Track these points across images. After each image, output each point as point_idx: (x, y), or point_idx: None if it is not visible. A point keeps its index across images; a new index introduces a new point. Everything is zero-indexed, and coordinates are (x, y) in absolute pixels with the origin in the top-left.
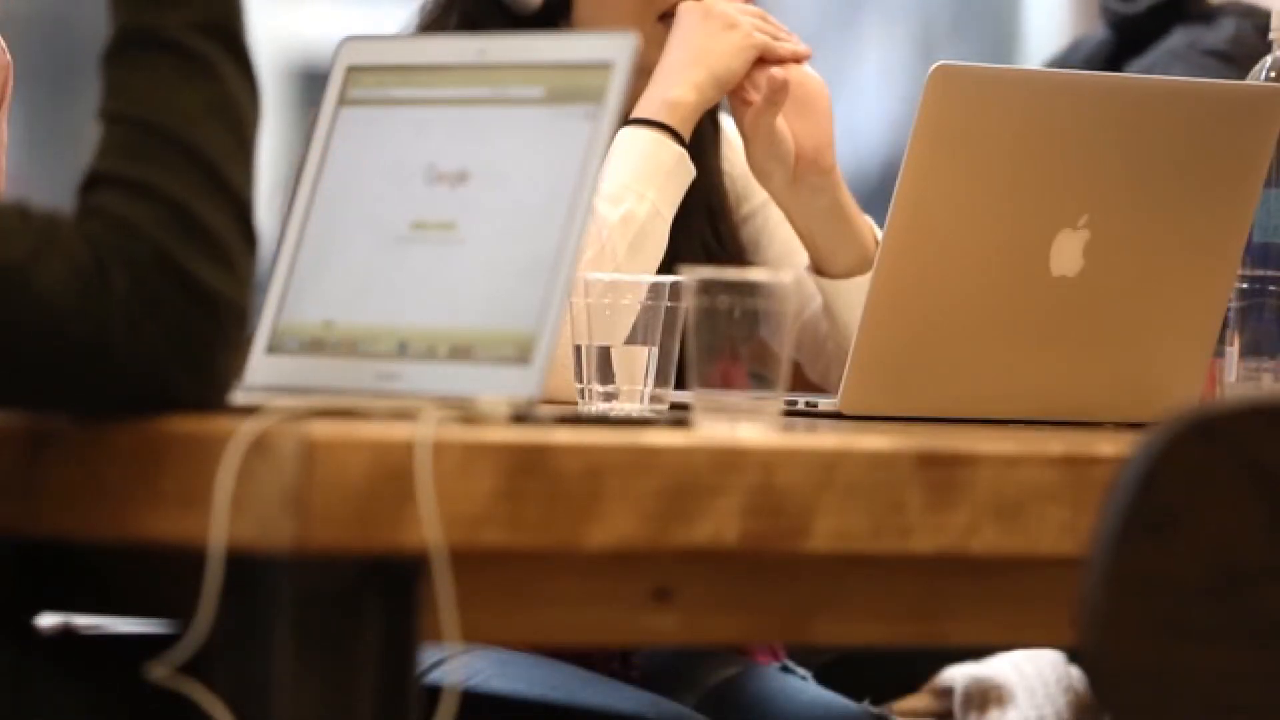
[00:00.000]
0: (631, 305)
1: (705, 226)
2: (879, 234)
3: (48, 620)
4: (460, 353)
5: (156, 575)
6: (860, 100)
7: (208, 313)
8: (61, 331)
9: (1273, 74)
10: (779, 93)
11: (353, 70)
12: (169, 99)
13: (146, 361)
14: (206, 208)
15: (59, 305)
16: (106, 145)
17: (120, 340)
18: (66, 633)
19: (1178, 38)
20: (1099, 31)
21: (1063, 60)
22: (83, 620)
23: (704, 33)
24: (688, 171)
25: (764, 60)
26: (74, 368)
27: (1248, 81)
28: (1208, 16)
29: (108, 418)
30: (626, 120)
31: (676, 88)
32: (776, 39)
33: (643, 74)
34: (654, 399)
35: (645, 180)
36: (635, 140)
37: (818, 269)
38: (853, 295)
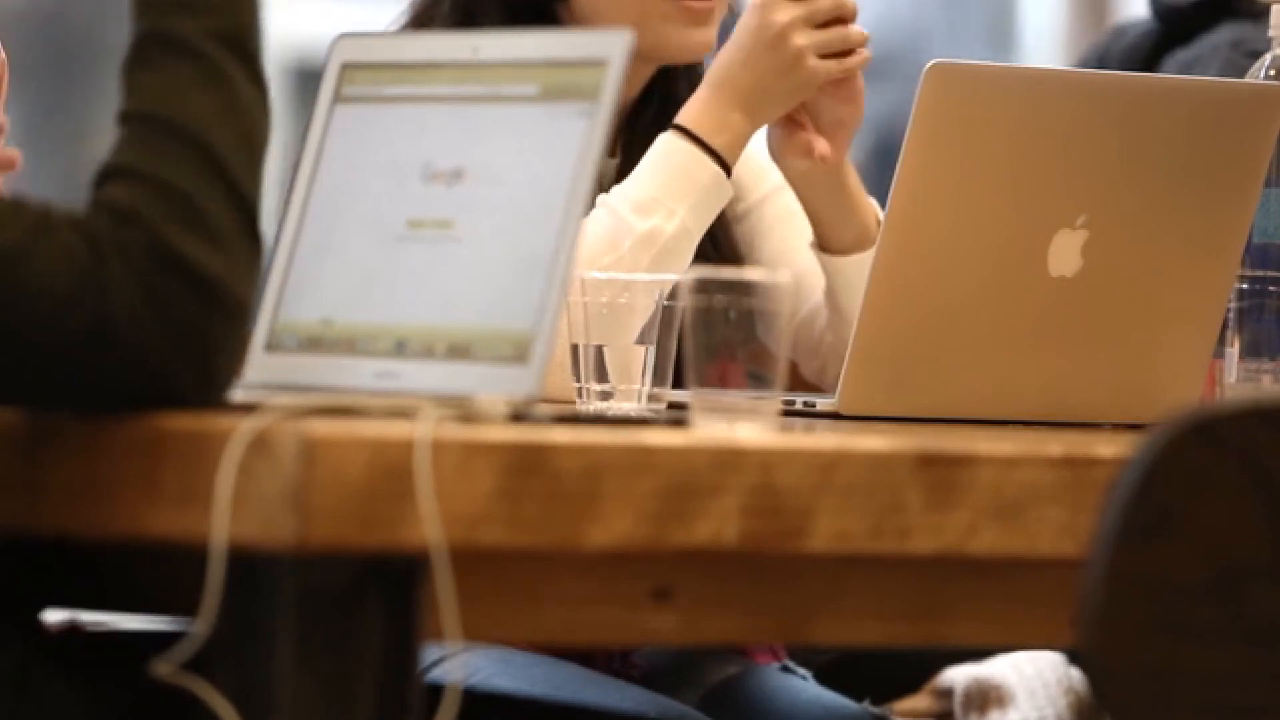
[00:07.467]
0: (634, 306)
1: None
2: (880, 214)
3: (53, 617)
4: (458, 351)
5: (159, 572)
6: None
7: (207, 301)
8: (58, 318)
9: (1272, 73)
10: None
11: (347, 68)
12: (184, 100)
13: (144, 349)
14: (213, 201)
15: (55, 292)
16: (122, 142)
17: (118, 327)
18: (71, 630)
19: (1224, 34)
20: (1144, 20)
21: (1105, 48)
22: (87, 617)
23: (771, 66)
24: (725, 193)
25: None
26: (71, 356)
27: (1247, 81)
28: (1256, 15)
29: (108, 414)
30: (672, 125)
31: (735, 111)
32: (844, 52)
33: (645, 58)
34: (651, 398)
35: (678, 196)
36: (676, 152)
37: (822, 244)
38: (854, 274)
